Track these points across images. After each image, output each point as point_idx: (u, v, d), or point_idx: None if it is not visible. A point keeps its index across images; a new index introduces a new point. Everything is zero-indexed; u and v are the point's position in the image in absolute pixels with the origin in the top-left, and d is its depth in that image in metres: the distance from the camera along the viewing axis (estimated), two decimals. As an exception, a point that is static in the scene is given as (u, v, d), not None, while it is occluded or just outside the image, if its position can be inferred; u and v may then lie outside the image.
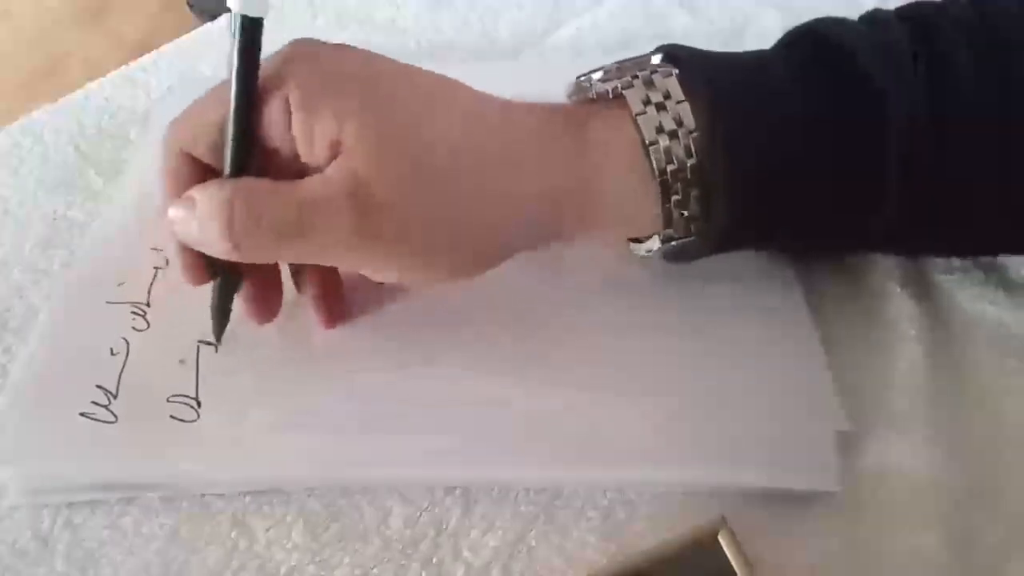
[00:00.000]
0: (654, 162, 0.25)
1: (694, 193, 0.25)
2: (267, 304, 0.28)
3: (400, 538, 0.25)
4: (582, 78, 0.27)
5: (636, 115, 0.25)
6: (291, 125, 0.23)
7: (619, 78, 0.26)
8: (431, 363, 0.28)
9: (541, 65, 0.41)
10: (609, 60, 0.27)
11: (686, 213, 0.25)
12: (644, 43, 0.28)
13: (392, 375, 0.28)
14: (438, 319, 0.29)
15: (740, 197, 0.25)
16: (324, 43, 0.25)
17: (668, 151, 0.25)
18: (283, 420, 0.27)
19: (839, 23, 0.27)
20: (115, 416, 0.26)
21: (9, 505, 0.26)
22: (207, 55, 0.33)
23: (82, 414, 0.26)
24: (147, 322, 0.29)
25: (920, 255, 0.31)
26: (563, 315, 0.29)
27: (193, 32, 0.44)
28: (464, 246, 0.25)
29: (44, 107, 0.39)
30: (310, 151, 0.23)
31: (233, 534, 0.25)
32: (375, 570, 0.24)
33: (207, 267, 0.26)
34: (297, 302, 0.29)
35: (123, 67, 0.41)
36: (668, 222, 0.26)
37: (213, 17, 0.44)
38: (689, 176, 0.25)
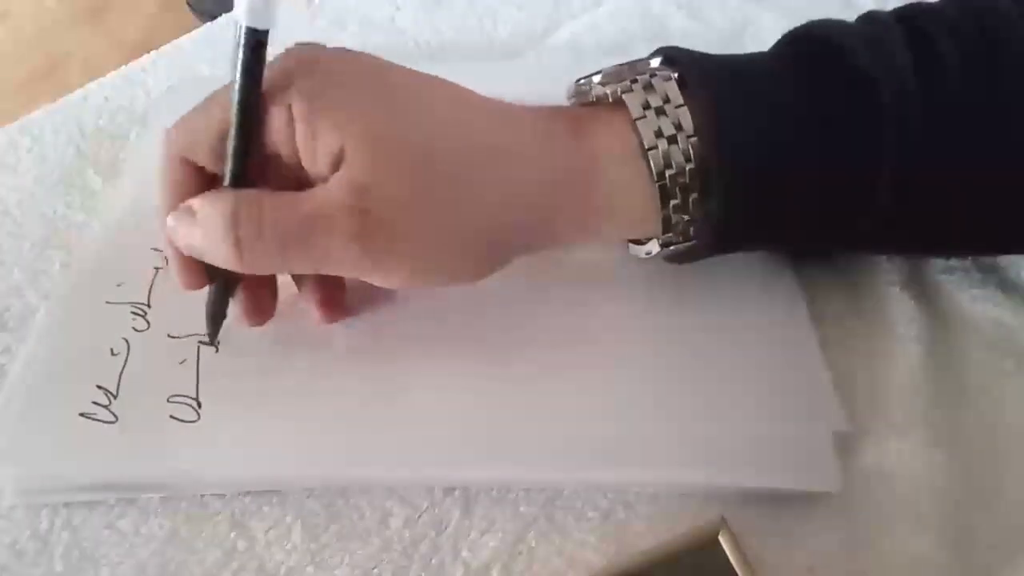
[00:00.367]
0: (653, 166, 0.25)
1: (693, 197, 0.25)
2: (261, 307, 0.28)
3: (400, 539, 0.25)
4: (582, 81, 0.27)
5: (635, 119, 0.25)
6: (294, 135, 0.23)
7: (618, 81, 0.26)
8: (431, 364, 0.28)
9: (540, 66, 0.41)
10: (608, 61, 0.27)
11: (685, 217, 0.26)
12: (642, 44, 0.28)
13: (392, 376, 0.28)
14: (438, 320, 0.29)
15: (737, 200, 0.25)
16: (325, 49, 0.25)
17: (667, 155, 0.25)
18: (283, 421, 0.26)
19: (836, 24, 0.27)
20: (115, 416, 0.26)
21: (8, 505, 0.26)
22: (207, 55, 0.33)
23: (82, 414, 0.26)
24: (147, 322, 0.29)
25: (914, 253, 0.31)
26: (563, 317, 0.29)
27: (193, 32, 0.43)
28: (466, 251, 0.25)
29: (43, 107, 0.39)
30: (313, 162, 0.24)
31: (232, 535, 0.25)
32: (375, 571, 0.24)
33: (204, 272, 0.26)
34: (297, 303, 0.30)
35: (122, 67, 0.41)
36: (667, 226, 0.26)
37: (213, 17, 0.44)
38: (688, 181, 0.25)
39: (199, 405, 0.27)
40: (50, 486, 0.26)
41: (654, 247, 0.27)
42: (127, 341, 0.28)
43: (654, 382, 0.27)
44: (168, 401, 0.27)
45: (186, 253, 0.25)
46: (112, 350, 0.28)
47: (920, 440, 0.26)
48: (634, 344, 0.28)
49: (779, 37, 0.28)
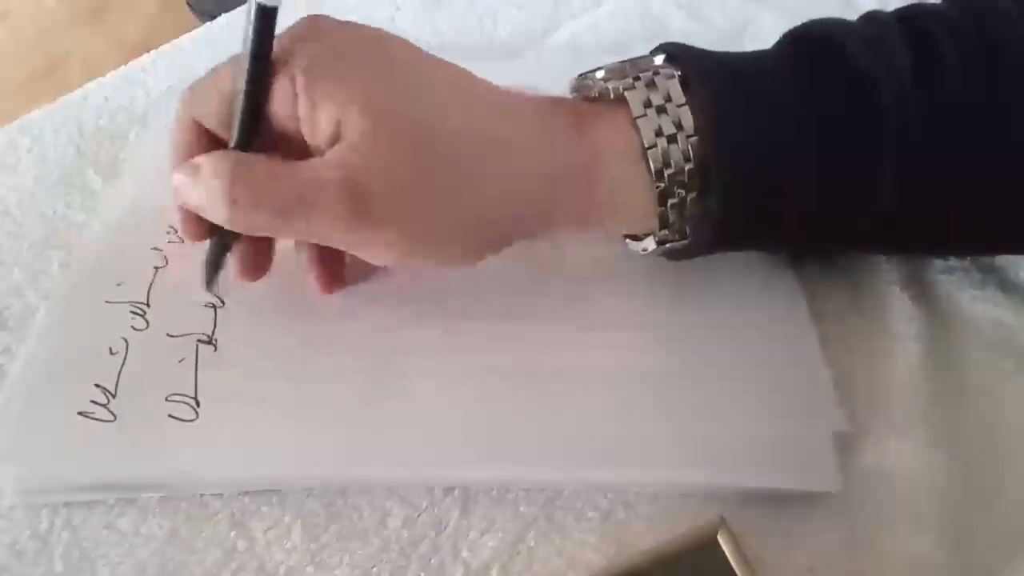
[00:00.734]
0: (651, 164, 0.25)
1: (691, 196, 0.25)
2: (256, 263, 0.28)
3: (399, 539, 0.25)
4: (585, 75, 0.27)
5: (636, 118, 0.25)
6: (297, 108, 0.24)
7: (621, 78, 0.26)
8: (430, 364, 0.28)
9: (540, 66, 0.41)
10: (608, 61, 0.27)
11: (683, 215, 0.26)
12: (642, 44, 0.28)
13: (391, 376, 0.28)
14: (437, 320, 0.29)
15: (736, 199, 0.25)
16: (329, 20, 0.25)
17: (666, 154, 0.25)
18: (282, 420, 0.26)
19: (837, 23, 0.27)
20: (114, 415, 0.26)
21: (8, 505, 0.26)
22: (207, 55, 0.33)
23: (80, 413, 0.26)
24: (146, 321, 0.29)
25: (914, 253, 0.31)
26: (563, 316, 0.29)
27: (193, 32, 0.43)
28: (460, 233, 0.25)
29: (43, 107, 0.39)
30: (313, 133, 0.24)
31: (232, 535, 0.25)
32: (374, 571, 0.24)
33: (206, 225, 0.26)
34: (296, 303, 0.30)
35: (122, 67, 0.41)
36: (664, 223, 0.26)
37: (212, 17, 0.44)
38: (687, 180, 0.25)
39: (198, 404, 0.27)
40: (50, 486, 0.26)
41: (650, 244, 0.27)
42: (126, 340, 0.28)
43: (654, 381, 0.27)
44: (167, 400, 0.27)
45: (188, 208, 0.25)
46: (111, 349, 0.28)
47: (920, 440, 0.26)
48: (634, 343, 0.28)
49: (779, 37, 0.28)
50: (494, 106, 0.25)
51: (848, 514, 0.25)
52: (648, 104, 0.25)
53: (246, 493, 0.26)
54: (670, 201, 0.25)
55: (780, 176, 0.25)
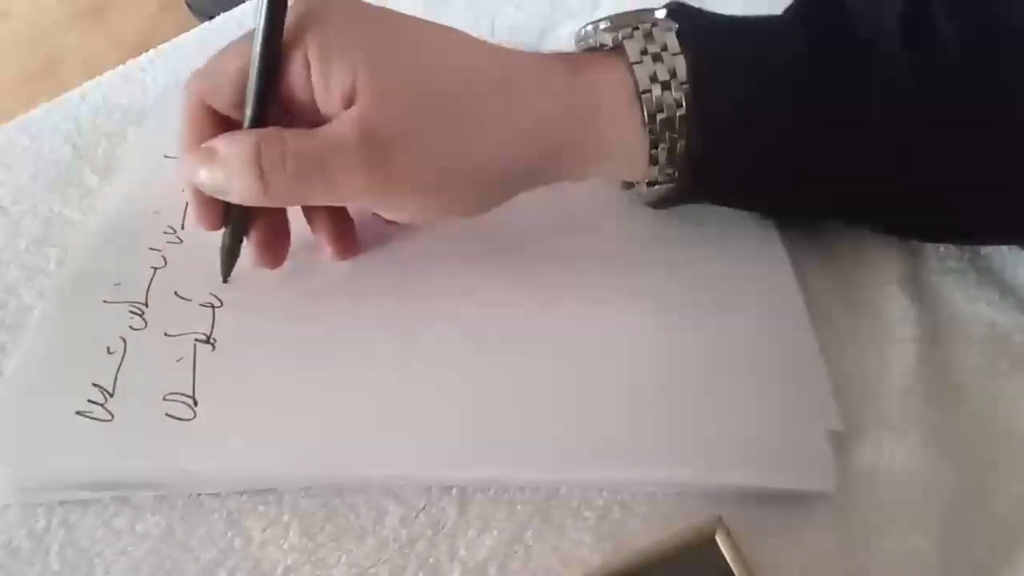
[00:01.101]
0: (645, 108, 0.26)
1: (681, 143, 0.26)
2: (274, 250, 0.30)
3: (396, 538, 0.25)
4: (588, 26, 0.28)
5: (632, 63, 0.26)
6: (310, 77, 0.25)
7: (621, 28, 0.27)
8: (428, 364, 0.28)
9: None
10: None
11: (675, 160, 0.27)
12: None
13: (388, 375, 0.28)
14: (434, 320, 0.29)
15: (717, 140, 0.26)
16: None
17: (659, 100, 0.26)
18: (279, 419, 0.26)
19: None
20: (111, 414, 0.26)
21: (3, 504, 0.26)
22: (205, 55, 0.32)
23: (78, 412, 0.26)
24: (144, 321, 0.29)
25: (905, 230, 0.31)
26: (562, 315, 0.29)
27: (191, 31, 0.43)
28: (469, 183, 0.26)
29: (42, 106, 0.39)
30: (327, 101, 0.25)
31: (228, 534, 0.25)
32: (371, 570, 0.24)
33: (220, 214, 0.28)
34: (294, 304, 0.29)
35: (120, 66, 0.41)
36: (654, 165, 0.27)
37: (211, 17, 0.44)
38: (678, 126, 0.26)
39: (195, 403, 0.27)
40: (46, 485, 0.26)
41: (642, 188, 0.29)
42: (124, 340, 0.28)
43: (651, 381, 0.27)
44: (164, 399, 0.27)
45: (206, 192, 0.26)
46: (109, 349, 0.28)
47: (916, 439, 0.26)
48: (631, 343, 0.28)
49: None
50: (493, 54, 0.27)
51: (845, 513, 0.25)
52: (644, 52, 0.26)
53: (242, 492, 0.26)
54: (660, 145, 0.26)
55: (763, 120, 0.26)
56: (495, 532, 0.25)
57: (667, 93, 0.26)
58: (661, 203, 0.30)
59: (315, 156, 0.25)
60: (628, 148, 0.27)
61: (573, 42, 0.29)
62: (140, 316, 0.29)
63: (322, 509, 0.26)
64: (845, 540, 0.24)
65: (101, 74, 0.41)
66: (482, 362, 0.28)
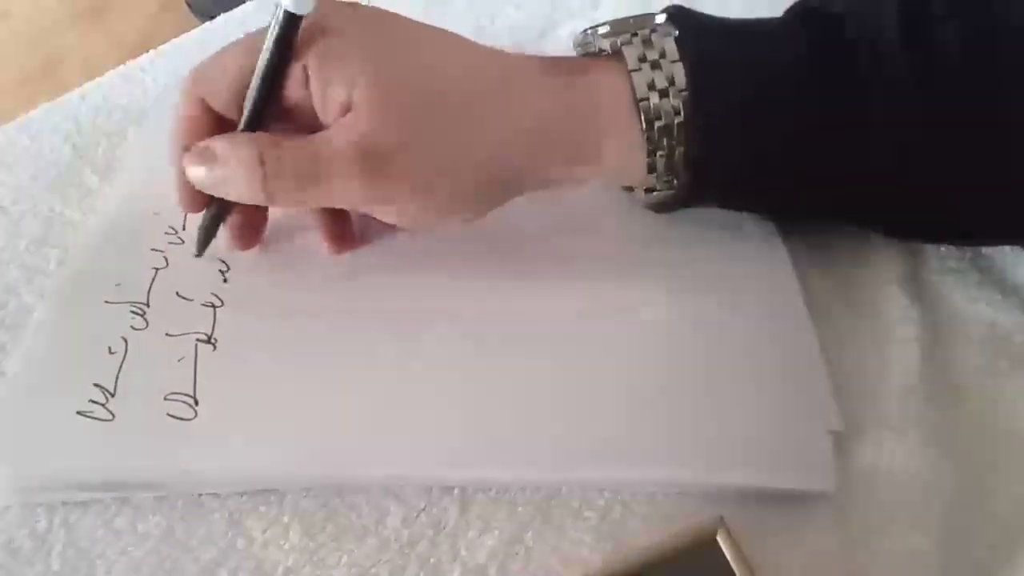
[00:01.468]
0: (642, 116, 0.26)
1: (680, 150, 0.26)
2: (250, 233, 0.30)
3: (397, 538, 0.25)
4: (588, 31, 0.28)
5: (631, 71, 0.26)
6: (309, 88, 0.26)
7: (620, 34, 0.27)
8: (428, 364, 0.28)
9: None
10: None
11: (674, 167, 0.27)
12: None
13: (389, 375, 0.28)
14: (433, 320, 0.29)
15: (714, 142, 0.26)
16: (333, 6, 0.26)
17: (657, 108, 0.26)
18: (280, 419, 0.26)
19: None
20: (112, 414, 0.26)
21: (4, 504, 0.26)
22: (205, 55, 0.32)
23: (79, 412, 0.26)
24: (146, 321, 0.29)
25: (905, 231, 0.31)
26: (562, 315, 0.29)
27: (191, 31, 0.43)
28: (466, 187, 0.26)
29: (42, 106, 0.39)
30: (325, 111, 0.26)
31: (229, 534, 0.25)
32: (372, 570, 0.24)
33: (203, 198, 0.28)
34: (294, 303, 0.29)
35: (120, 66, 0.41)
36: (652, 172, 0.27)
37: (211, 17, 0.44)
38: (676, 133, 0.26)
39: (196, 403, 0.27)
40: (47, 485, 0.26)
41: (640, 193, 0.29)
42: (125, 340, 0.28)
43: (651, 381, 0.27)
44: (165, 399, 0.27)
45: (202, 189, 0.27)
46: (110, 348, 0.28)
47: (916, 439, 0.26)
48: (631, 343, 0.28)
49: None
50: (492, 55, 0.27)
51: (845, 513, 0.25)
52: (643, 59, 0.26)
53: (243, 492, 0.26)
54: (659, 152, 0.26)
55: (763, 121, 0.26)
56: (496, 532, 0.25)
57: (665, 101, 0.26)
58: (661, 208, 0.30)
59: (313, 163, 0.25)
60: (627, 155, 0.27)
61: (572, 44, 0.30)
62: (141, 316, 0.29)
63: (323, 509, 0.26)
64: (845, 540, 0.24)
65: (101, 74, 0.41)
66: (482, 362, 0.28)
